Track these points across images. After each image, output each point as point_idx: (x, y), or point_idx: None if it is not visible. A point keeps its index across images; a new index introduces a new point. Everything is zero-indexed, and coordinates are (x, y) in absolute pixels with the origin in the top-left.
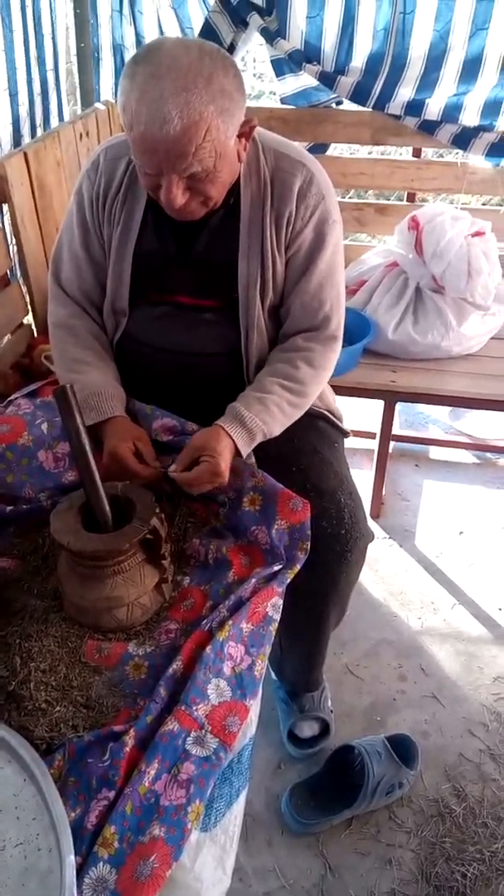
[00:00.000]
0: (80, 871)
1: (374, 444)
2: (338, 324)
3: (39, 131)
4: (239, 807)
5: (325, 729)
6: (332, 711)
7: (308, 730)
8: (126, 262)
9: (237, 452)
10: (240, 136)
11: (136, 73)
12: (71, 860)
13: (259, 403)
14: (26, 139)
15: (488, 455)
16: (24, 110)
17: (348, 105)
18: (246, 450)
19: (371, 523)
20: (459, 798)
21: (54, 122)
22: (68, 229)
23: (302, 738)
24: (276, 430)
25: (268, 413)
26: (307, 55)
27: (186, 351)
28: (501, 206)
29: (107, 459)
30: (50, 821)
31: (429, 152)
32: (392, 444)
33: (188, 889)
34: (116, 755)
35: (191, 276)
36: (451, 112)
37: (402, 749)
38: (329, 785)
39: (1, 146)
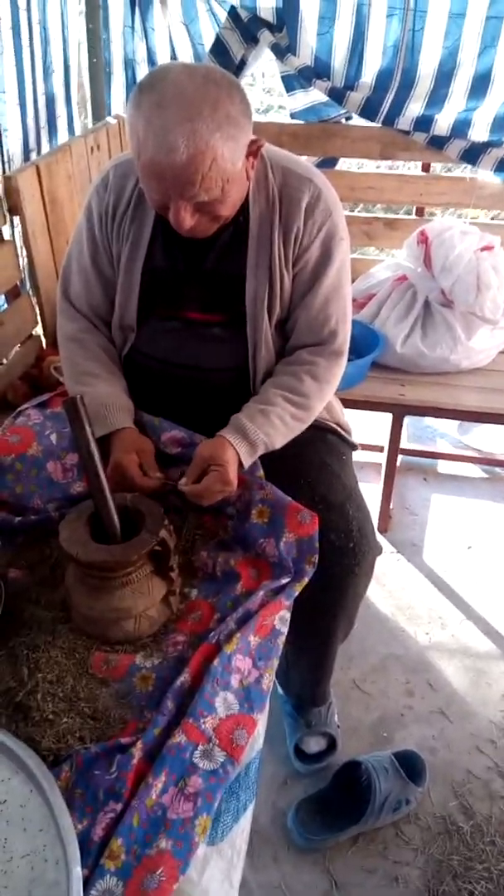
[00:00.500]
0: (87, 883)
1: (382, 458)
2: (343, 339)
3: (45, 146)
4: (246, 821)
5: (331, 744)
6: (338, 726)
7: (315, 745)
8: (135, 278)
9: (240, 464)
10: (247, 155)
11: (141, 101)
12: (78, 872)
13: (262, 415)
14: (33, 154)
15: (497, 469)
16: (32, 123)
17: (358, 120)
18: (248, 461)
19: (379, 537)
20: (467, 815)
21: (65, 135)
22: (77, 245)
23: (308, 754)
24: (279, 442)
25: (270, 425)
26: (317, 71)
27: (194, 365)
28: None
29: (110, 471)
30: (57, 832)
31: (438, 167)
32: (400, 457)
33: None
34: (123, 767)
35: (199, 291)
36: (461, 128)
37: (409, 765)
38: (335, 801)
39: (13, 159)
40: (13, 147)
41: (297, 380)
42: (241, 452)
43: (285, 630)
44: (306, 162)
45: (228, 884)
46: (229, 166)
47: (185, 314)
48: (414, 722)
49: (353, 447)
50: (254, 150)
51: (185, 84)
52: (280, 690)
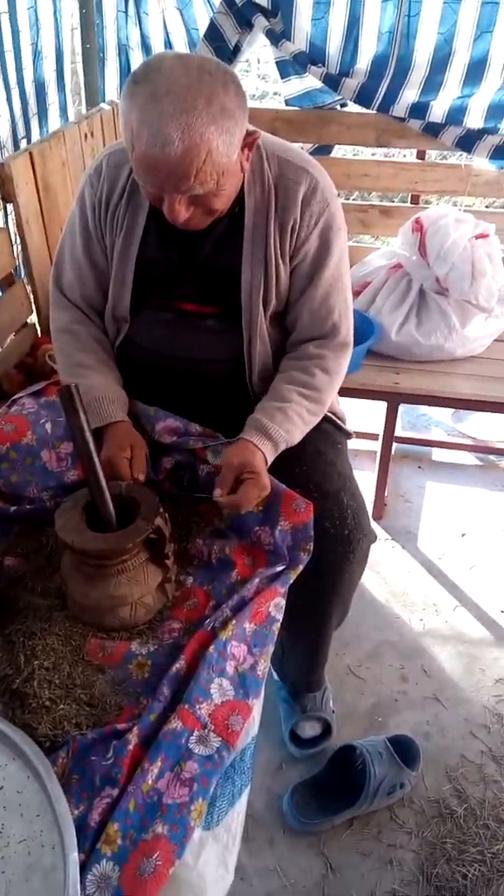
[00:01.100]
0: (84, 867)
1: (377, 446)
2: (347, 330)
3: (36, 132)
4: (241, 805)
5: (326, 729)
6: (333, 712)
7: (310, 730)
8: (128, 269)
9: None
10: (242, 147)
11: (135, 93)
12: (74, 857)
13: (281, 413)
14: (23, 141)
15: (491, 457)
16: (20, 109)
17: (353, 107)
18: (271, 459)
19: (373, 524)
20: (461, 799)
21: (57, 122)
22: (70, 235)
23: (304, 739)
24: (297, 438)
25: (290, 422)
26: (312, 57)
27: (188, 357)
28: None
29: (102, 465)
30: (53, 818)
31: (433, 154)
32: (395, 445)
33: (191, 886)
34: (120, 753)
35: (194, 282)
36: (456, 115)
37: (403, 750)
38: (330, 785)
39: (4, 145)
40: (2, 132)
41: (309, 374)
42: (264, 450)
43: (280, 617)
44: (303, 152)
45: (224, 868)
46: (224, 159)
47: (179, 305)
48: (408, 707)
49: (348, 435)
50: (249, 143)
51: (180, 75)
52: (275, 676)
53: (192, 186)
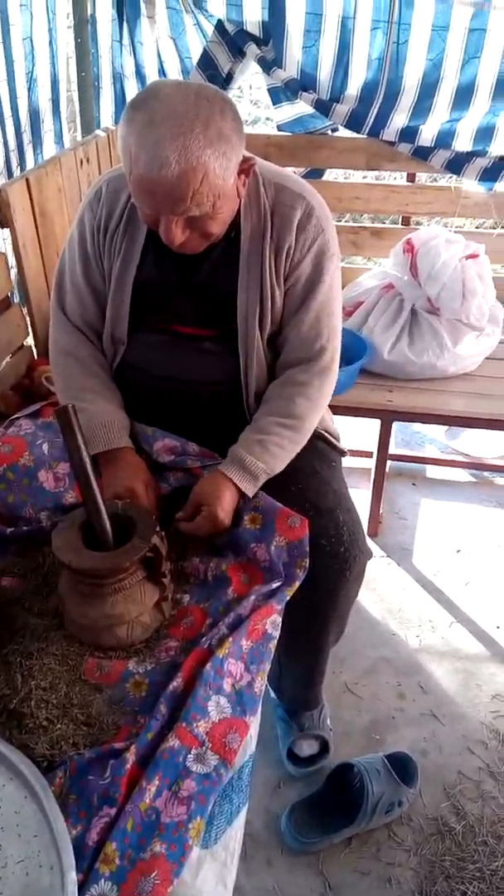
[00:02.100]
0: (82, 888)
1: (371, 464)
2: (332, 355)
3: (31, 157)
4: (239, 823)
5: (324, 747)
6: (331, 730)
7: (307, 748)
8: (126, 292)
9: (242, 495)
10: (239, 173)
11: (134, 118)
12: (72, 877)
13: (259, 445)
14: (16, 168)
15: (485, 474)
16: (22, 136)
17: (344, 132)
18: (251, 491)
19: (369, 542)
20: (459, 816)
21: (52, 149)
22: (70, 259)
23: (301, 757)
24: (279, 467)
25: (268, 454)
26: (303, 83)
27: (185, 379)
28: (495, 229)
29: (122, 492)
30: (51, 838)
31: (423, 177)
32: (389, 463)
33: None
34: (117, 772)
35: (191, 305)
36: (445, 138)
37: (401, 767)
38: (328, 804)
39: None
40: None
41: (290, 402)
42: (241, 485)
43: (277, 634)
44: (300, 178)
45: (222, 886)
46: (220, 182)
47: (176, 328)
48: (405, 724)
49: (342, 453)
50: (245, 169)
51: (178, 101)
52: (272, 694)
53: (189, 208)
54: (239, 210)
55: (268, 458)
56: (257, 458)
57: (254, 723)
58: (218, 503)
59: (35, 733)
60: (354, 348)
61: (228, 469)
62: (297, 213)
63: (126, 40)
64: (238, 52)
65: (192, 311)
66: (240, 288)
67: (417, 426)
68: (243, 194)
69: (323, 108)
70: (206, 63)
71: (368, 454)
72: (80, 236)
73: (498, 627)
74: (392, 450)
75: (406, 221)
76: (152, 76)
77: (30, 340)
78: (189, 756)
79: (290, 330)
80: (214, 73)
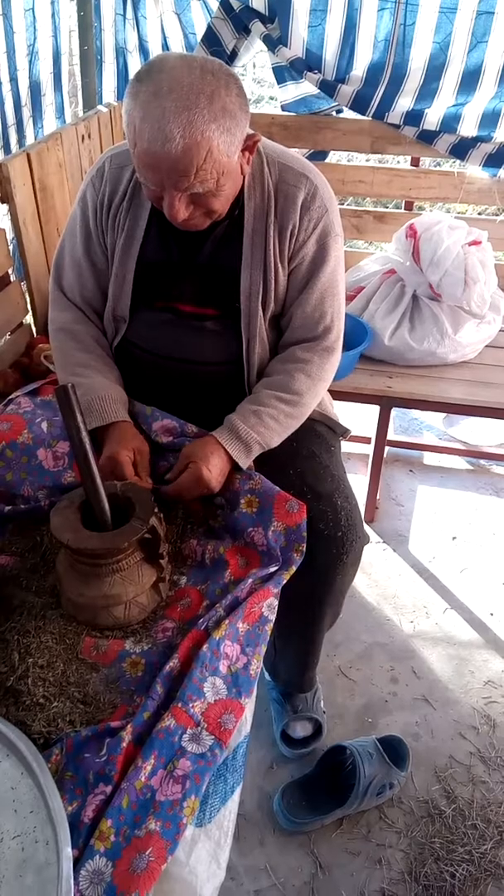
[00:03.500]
0: (77, 863)
1: (369, 449)
2: (337, 335)
3: (28, 132)
4: (233, 803)
5: (317, 729)
6: (324, 712)
7: (301, 730)
8: (129, 269)
9: (234, 465)
10: (243, 150)
11: (139, 91)
12: (68, 853)
13: (254, 416)
14: (13, 141)
15: (481, 462)
16: (21, 109)
17: (348, 113)
18: (244, 461)
19: (365, 527)
20: (449, 800)
21: (53, 123)
22: (71, 235)
23: (295, 739)
24: (274, 441)
25: (263, 425)
26: (308, 63)
27: (187, 358)
28: (498, 215)
29: (103, 462)
30: (47, 814)
31: (427, 161)
32: (387, 449)
33: (183, 882)
34: (113, 750)
35: (193, 284)
36: (450, 122)
37: (393, 750)
38: (321, 785)
39: None
40: None
41: (290, 378)
42: (233, 452)
43: (273, 617)
44: (304, 158)
45: (216, 864)
46: (224, 158)
47: (179, 306)
48: (398, 708)
49: (344, 433)
50: (250, 145)
51: (183, 75)
52: (267, 677)
53: (193, 184)
54: (242, 188)
55: (262, 430)
56: (251, 427)
57: (249, 704)
58: (204, 462)
59: (32, 710)
60: (355, 333)
61: (220, 434)
62: (301, 193)
63: (130, 14)
64: (243, 30)
65: (194, 289)
66: (243, 267)
67: (416, 413)
68: (247, 172)
69: (328, 88)
70: (211, 39)
71: (367, 440)
72: (83, 213)
73: (492, 614)
74: (390, 436)
75: (409, 206)
76: (156, 51)
77: (29, 318)
78: (184, 736)
79: (295, 309)
80: (219, 50)
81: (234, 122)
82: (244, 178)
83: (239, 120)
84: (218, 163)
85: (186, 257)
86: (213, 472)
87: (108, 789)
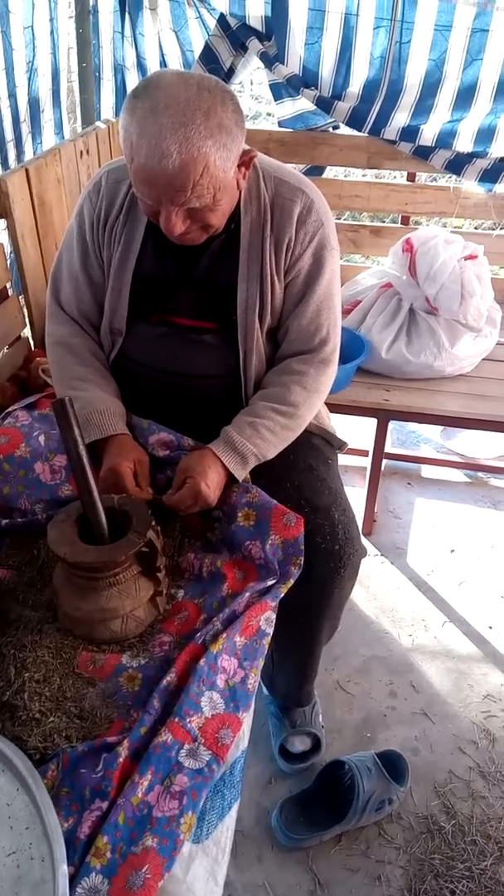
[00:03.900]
0: (73, 880)
1: (366, 462)
2: (333, 348)
3: (27, 148)
4: (231, 819)
5: (316, 744)
6: (323, 727)
7: (300, 744)
8: (125, 283)
9: (230, 477)
10: (239, 165)
11: (135, 107)
12: (64, 870)
13: (250, 428)
14: (12, 157)
15: (479, 474)
16: (20, 125)
17: (344, 129)
18: (240, 473)
19: (363, 540)
20: (449, 815)
21: (52, 139)
22: (68, 250)
23: (293, 753)
24: (270, 453)
25: (259, 437)
26: (305, 80)
27: (183, 372)
28: (494, 230)
29: (105, 474)
30: (43, 830)
31: (423, 177)
32: (385, 462)
33: None
34: (110, 766)
35: (190, 297)
36: (446, 138)
37: (392, 765)
38: (319, 800)
39: None
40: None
41: (286, 390)
42: (230, 465)
43: (271, 631)
44: (299, 173)
45: (213, 881)
46: (221, 174)
47: (175, 320)
48: (397, 723)
49: (341, 447)
50: (246, 161)
51: (180, 91)
52: (265, 691)
53: (189, 199)
54: (239, 203)
55: (258, 441)
56: (247, 439)
57: (246, 719)
58: (202, 476)
59: (28, 725)
60: (352, 347)
61: (217, 446)
62: (297, 207)
63: (128, 32)
64: (240, 47)
65: (191, 303)
66: (240, 280)
67: (413, 426)
68: (244, 187)
69: (324, 105)
70: (208, 57)
71: (364, 453)
72: (80, 228)
73: (490, 628)
74: (388, 449)
75: (405, 221)
76: (154, 68)
77: (27, 332)
78: (181, 751)
79: (291, 322)
80: (216, 67)
81: (230, 138)
82: (240, 193)
83: (235, 136)
84: (214, 178)
85: (183, 271)
86: (212, 486)
87: (105, 805)
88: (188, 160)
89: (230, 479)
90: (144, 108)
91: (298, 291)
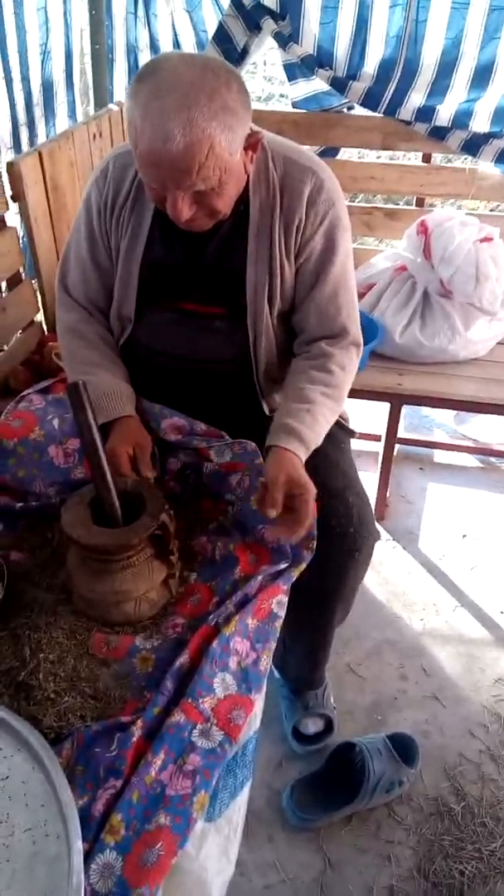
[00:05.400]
0: (87, 857)
1: (379, 447)
2: (357, 329)
3: (40, 131)
4: (243, 798)
5: (328, 725)
6: (335, 708)
7: (313, 726)
8: (134, 269)
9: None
10: (246, 148)
11: (139, 90)
12: (78, 846)
13: (309, 415)
14: (24, 139)
15: (492, 459)
16: (33, 108)
17: (359, 110)
18: (304, 457)
19: (376, 525)
20: (458, 797)
21: (65, 121)
22: (76, 236)
23: (306, 735)
24: (322, 439)
25: (317, 424)
26: (319, 60)
27: (194, 357)
28: None
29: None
30: (58, 808)
31: (438, 158)
32: (397, 446)
33: (193, 876)
34: (124, 745)
35: (199, 283)
36: (462, 118)
37: (402, 748)
38: (330, 782)
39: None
40: (3, 133)
41: (328, 372)
42: (301, 457)
43: (283, 614)
44: (310, 152)
45: (226, 859)
46: (227, 156)
47: (185, 306)
48: (408, 706)
49: (352, 434)
50: (252, 143)
51: (183, 73)
52: (276, 674)
53: (195, 183)
54: (247, 186)
55: (317, 429)
56: (310, 428)
57: (258, 700)
58: (305, 483)
59: (43, 705)
60: (366, 330)
61: (288, 442)
62: (307, 187)
63: (141, 12)
64: (254, 27)
65: (200, 288)
66: (248, 263)
67: (426, 410)
68: (251, 170)
69: (339, 85)
70: (222, 37)
71: (377, 437)
72: (87, 214)
73: (502, 612)
74: (400, 433)
75: (420, 203)
76: (167, 49)
77: (40, 316)
78: (194, 731)
79: (309, 306)
80: (230, 48)
81: (235, 120)
82: (248, 176)
83: (240, 117)
84: (220, 159)
85: (191, 256)
86: (305, 480)
87: (119, 784)
88: (192, 142)
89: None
90: (147, 91)
91: (312, 273)
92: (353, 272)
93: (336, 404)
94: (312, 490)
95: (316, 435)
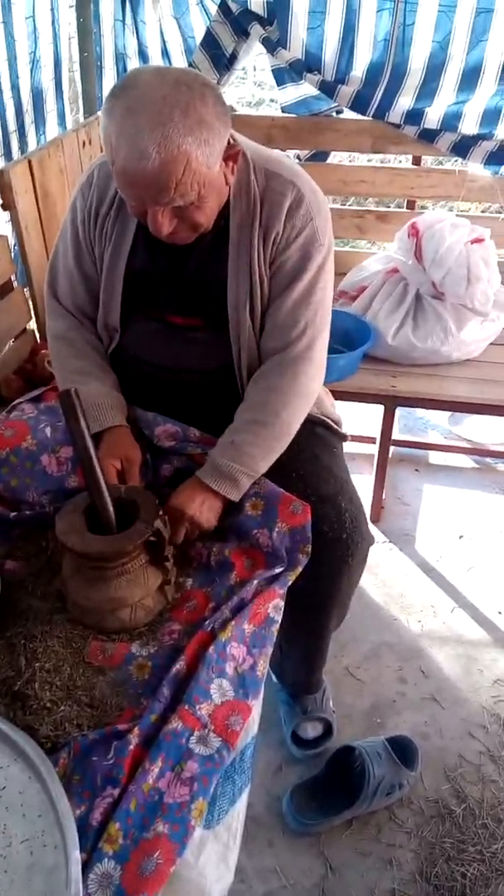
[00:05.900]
0: (86, 867)
1: (374, 449)
2: (307, 345)
3: (30, 139)
4: (241, 804)
5: (328, 729)
6: (334, 712)
7: (312, 730)
8: (117, 280)
9: (226, 500)
10: (225, 160)
11: (113, 107)
12: (76, 856)
13: (233, 448)
14: (15, 148)
15: (487, 460)
16: (23, 116)
17: (348, 114)
18: (236, 495)
19: (371, 527)
20: (459, 799)
21: (55, 129)
22: (63, 244)
23: (306, 739)
24: (261, 466)
25: (243, 455)
26: (308, 64)
27: (178, 367)
28: (500, 213)
29: None
30: (55, 817)
31: (428, 160)
32: (392, 448)
33: (192, 884)
34: (121, 753)
35: (181, 294)
36: (451, 121)
37: (402, 750)
38: (330, 786)
39: None
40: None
41: (264, 398)
42: (220, 489)
43: (279, 618)
44: (295, 164)
45: (225, 866)
46: (204, 170)
47: (167, 317)
48: (406, 708)
49: (344, 438)
50: (231, 155)
51: (156, 88)
52: (274, 678)
53: (173, 198)
54: (229, 198)
55: (244, 459)
56: (231, 460)
57: (256, 705)
58: (195, 511)
59: (39, 714)
60: (359, 333)
61: (204, 475)
62: (287, 200)
63: (129, 20)
64: (242, 32)
65: (182, 300)
66: (230, 276)
67: (421, 412)
68: (232, 182)
69: (328, 89)
70: (210, 43)
71: (371, 440)
72: (73, 223)
73: (500, 613)
74: (395, 435)
75: (411, 205)
76: (155, 56)
77: (32, 324)
78: (192, 738)
79: (269, 316)
80: (218, 54)
81: (211, 133)
82: (230, 188)
83: (217, 130)
84: (198, 174)
85: (174, 268)
86: (206, 513)
87: (116, 792)
88: (168, 159)
89: (229, 500)
90: (122, 107)
91: (281, 284)
92: (327, 291)
93: (272, 430)
94: (187, 509)
95: (241, 465)
